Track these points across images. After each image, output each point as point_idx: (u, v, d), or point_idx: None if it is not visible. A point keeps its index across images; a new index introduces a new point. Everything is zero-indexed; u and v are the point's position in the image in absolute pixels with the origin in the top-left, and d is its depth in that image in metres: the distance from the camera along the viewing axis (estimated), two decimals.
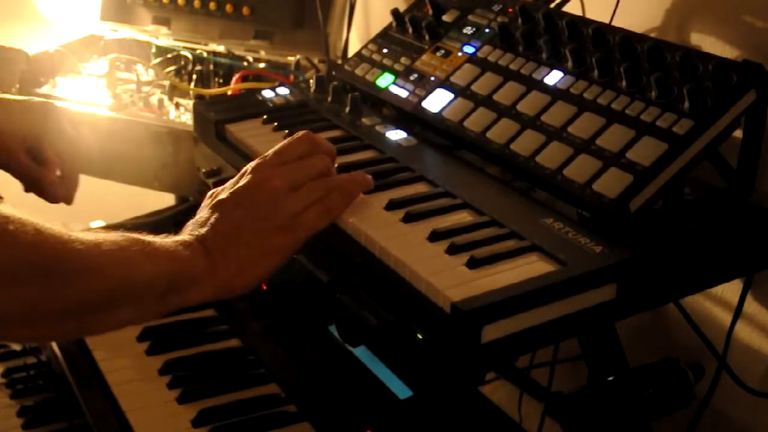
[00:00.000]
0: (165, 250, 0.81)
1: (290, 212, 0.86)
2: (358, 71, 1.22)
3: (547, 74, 1.01)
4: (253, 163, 0.90)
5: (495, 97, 1.03)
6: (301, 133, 0.93)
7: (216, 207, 0.87)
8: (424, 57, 1.16)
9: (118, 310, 0.78)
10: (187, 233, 0.85)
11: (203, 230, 0.85)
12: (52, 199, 1.10)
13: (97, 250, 0.75)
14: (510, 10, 1.14)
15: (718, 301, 1.16)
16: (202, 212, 0.88)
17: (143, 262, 0.78)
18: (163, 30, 1.76)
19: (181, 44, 1.73)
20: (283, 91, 1.21)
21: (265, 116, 1.12)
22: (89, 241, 0.75)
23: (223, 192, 0.88)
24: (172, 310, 0.83)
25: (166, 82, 1.62)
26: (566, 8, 1.18)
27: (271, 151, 0.91)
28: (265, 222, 0.85)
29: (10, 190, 1.11)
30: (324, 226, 0.88)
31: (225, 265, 0.83)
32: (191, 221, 0.87)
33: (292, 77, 1.60)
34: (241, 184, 0.88)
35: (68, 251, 0.73)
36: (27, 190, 1.10)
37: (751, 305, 1.11)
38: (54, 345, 1.23)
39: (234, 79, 1.57)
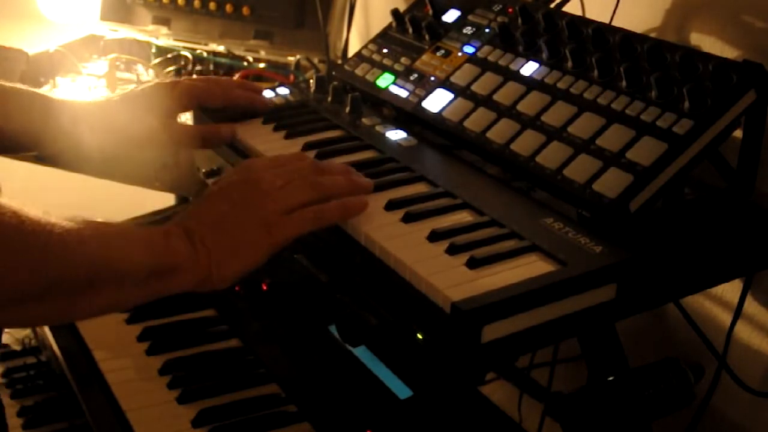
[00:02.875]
0: (145, 236, 0.82)
1: (277, 209, 0.85)
2: (358, 71, 1.22)
3: (548, 74, 1.01)
4: (247, 161, 0.91)
5: (495, 97, 1.03)
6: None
7: (204, 198, 0.88)
8: (424, 57, 1.16)
9: (98, 294, 0.78)
10: (173, 221, 0.86)
11: (188, 219, 0.85)
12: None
13: (75, 234, 0.76)
14: (510, 10, 1.14)
15: (718, 301, 1.16)
16: (193, 203, 0.88)
17: (123, 247, 0.79)
18: (163, 30, 1.77)
19: (181, 44, 1.73)
20: (283, 91, 1.21)
21: (265, 116, 1.12)
22: (69, 226, 0.76)
23: (215, 185, 0.89)
24: (155, 297, 0.82)
25: None
26: (566, 8, 1.18)
27: (267, 156, 0.92)
28: (249, 215, 0.85)
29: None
30: (311, 230, 0.86)
31: (205, 254, 0.82)
32: (181, 212, 0.88)
33: (292, 77, 1.61)
34: (232, 178, 0.89)
35: (47, 235, 0.74)
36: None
37: (751, 305, 1.11)
38: (54, 345, 1.23)
39: (234, 79, 1.57)
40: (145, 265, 0.80)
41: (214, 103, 1.11)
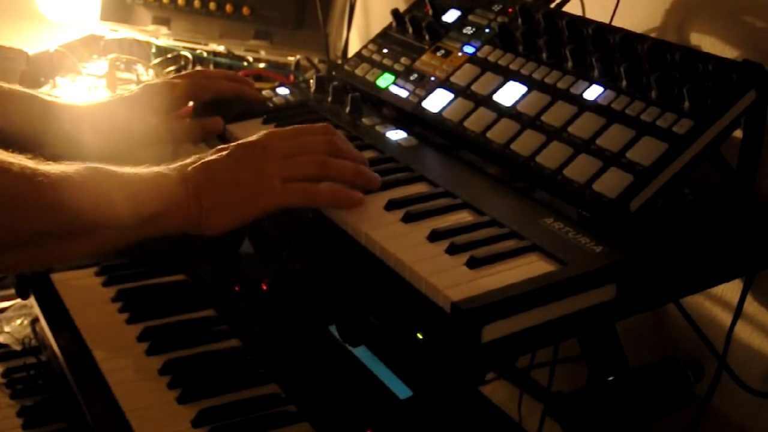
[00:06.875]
0: (139, 182, 0.85)
1: (276, 177, 0.88)
2: (358, 71, 1.22)
3: (548, 74, 1.01)
4: (271, 130, 0.95)
5: (495, 97, 1.03)
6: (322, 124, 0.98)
7: (214, 151, 0.92)
8: (424, 57, 1.16)
9: (87, 239, 0.81)
10: (176, 165, 0.89)
11: (191, 165, 0.89)
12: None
13: (62, 183, 0.78)
14: (510, 10, 1.14)
15: (718, 301, 1.16)
16: (203, 154, 0.93)
17: (115, 194, 0.82)
18: (163, 30, 1.77)
19: (181, 44, 1.73)
20: (283, 91, 1.21)
21: (265, 116, 1.12)
22: (55, 176, 0.78)
23: (230, 144, 0.94)
24: (147, 237, 0.86)
25: None
26: (566, 8, 1.18)
27: (291, 127, 0.96)
28: (246, 176, 0.88)
29: None
30: (300, 206, 0.90)
31: (197, 202, 0.86)
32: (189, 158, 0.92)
33: (292, 77, 1.61)
34: (248, 139, 0.93)
35: (34, 184, 0.76)
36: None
37: (751, 305, 1.11)
38: (54, 345, 1.23)
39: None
40: (137, 212, 0.83)
41: (204, 96, 1.13)
